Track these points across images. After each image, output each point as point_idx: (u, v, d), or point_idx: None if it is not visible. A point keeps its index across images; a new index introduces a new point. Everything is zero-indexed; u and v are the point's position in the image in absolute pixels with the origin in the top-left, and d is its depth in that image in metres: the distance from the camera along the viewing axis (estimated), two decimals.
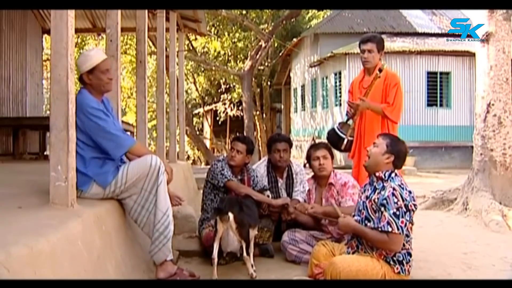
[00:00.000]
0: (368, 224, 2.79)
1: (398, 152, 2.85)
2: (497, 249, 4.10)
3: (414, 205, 2.72)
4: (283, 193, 4.04)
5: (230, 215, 2.99)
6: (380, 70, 3.83)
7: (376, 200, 2.77)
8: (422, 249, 3.97)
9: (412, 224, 2.79)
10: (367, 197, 2.87)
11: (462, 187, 6.11)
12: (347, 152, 4.12)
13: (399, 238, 2.66)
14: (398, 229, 2.63)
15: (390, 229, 2.64)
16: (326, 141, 4.08)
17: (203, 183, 4.01)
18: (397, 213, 2.64)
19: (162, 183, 2.77)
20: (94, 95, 2.82)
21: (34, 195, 2.78)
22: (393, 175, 2.81)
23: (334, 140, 4.05)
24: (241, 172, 3.84)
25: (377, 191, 2.81)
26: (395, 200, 2.66)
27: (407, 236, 2.76)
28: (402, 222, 2.64)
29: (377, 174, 2.84)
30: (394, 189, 2.69)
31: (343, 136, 3.95)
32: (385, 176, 2.81)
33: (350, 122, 4.01)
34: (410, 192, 2.73)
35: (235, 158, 3.77)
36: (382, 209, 2.70)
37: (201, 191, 4.07)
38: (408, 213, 2.67)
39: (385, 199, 2.69)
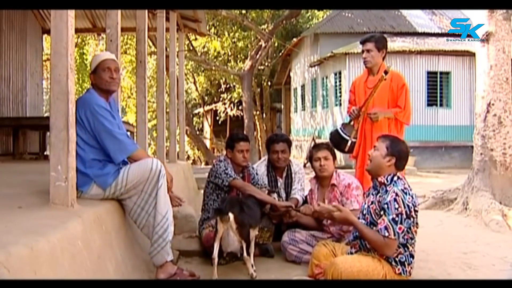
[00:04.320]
0: (374, 228, 2.77)
1: (399, 153, 2.82)
2: (497, 249, 4.10)
3: (416, 210, 2.70)
4: (282, 193, 4.05)
5: (231, 215, 2.98)
6: (386, 72, 3.78)
7: (378, 203, 2.76)
8: (422, 249, 3.96)
9: (417, 227, 2.77)
10: (371, 202, 2.85)
11: (462, 187, 6.11)
12: (350, 153, 4.10)
13: (394, 244, 2.66)
14: (394, 234, 2.63)
15: (387, 234, 2.64)
16: (326, 141, 4.07)
17: (203, 183, 4.01)
18: (396, 219, 2.63)
19: (162, 187, 2.77)
20: (100, 95, 2.86)
21: (34, 195, 2.78)
22: (395, 178, 2.78)
23: (337, 141, 4.03)
24: (241, 170, 3.85)
25: (379, 195, 2.80)
26: (396, 206, 2.64)
27: (411, 238, 2.75)
28: (400, 228, 2.63)
29: (379, 179, 2.82)
30: (396, 194, 2.66)
31: (347, 137, 3.92)
32: (387, 181, 2.78)
33: (353, 123, 3.99)
34: (412, 197, 2.70)
35: (247, 158, 3.81)
36: (382, 213, 2.69)
37: (201, 191, 4.07)
38: (407, 219, 2.64)
39: (387, 203, 2.68)
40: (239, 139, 3.81)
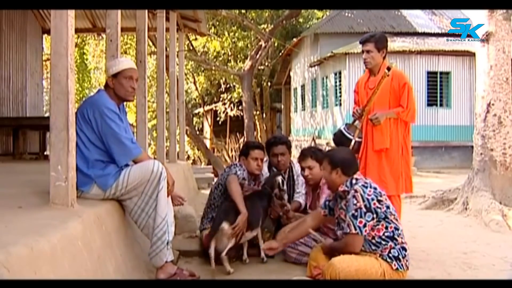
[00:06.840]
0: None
1: (342, 162, 2.92)
2: (497, 249, 4.10)
3: (380, 200, 2.78)
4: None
5: (224, 225, 3.10)
6: (389, 69, 3.74)
7: (344, 207, 2.89)
8: (422, 249, 3.97)
9: (392, 215, 2.81)
10: (340, 208, 2.96)
11: (462, 187, 6.11)
12: (355, 154, 4.07)
13: (357, 238, 2.74)
14: (355, 229, 2.72)
15: (348, 230, 2.75)
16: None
17: (203, 183, 4.01)
18: (356, 214, 2.73)
19: (163, 189, 2.78)
20: (112, 98, 2.86)
21: (34, 195, 2.78)
22: (353, 181, 2.88)
23: (341, 141, 3.98)
24: (254, 178, 3.86)
25: (345, 201, 2.91)
26: (355, 201, 2.75)
27: (397, 229, 2.80)
28: (360, 222, 2.72)
29: (340, 190, 2.92)
30: (355, 191, 2.78)
31: (351, 137, 3.89)
32: (347, 187, 2.88)
33: (357, 123, 3.96)
34: (375, 188, 2.82)
35: (260, 167, 3.80)
36: (345, 212, 2.83)
37: (202, 191, 4.07)
38: (368, 213, 2.73)
39: (347, 201, 2.82)
40: (254, 147, 3.81)
